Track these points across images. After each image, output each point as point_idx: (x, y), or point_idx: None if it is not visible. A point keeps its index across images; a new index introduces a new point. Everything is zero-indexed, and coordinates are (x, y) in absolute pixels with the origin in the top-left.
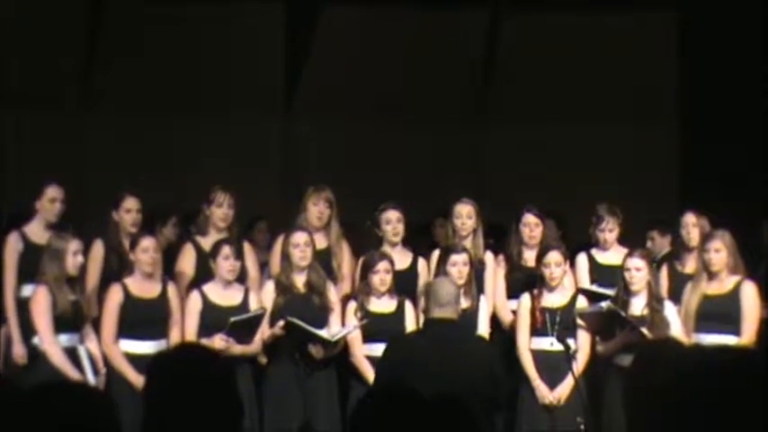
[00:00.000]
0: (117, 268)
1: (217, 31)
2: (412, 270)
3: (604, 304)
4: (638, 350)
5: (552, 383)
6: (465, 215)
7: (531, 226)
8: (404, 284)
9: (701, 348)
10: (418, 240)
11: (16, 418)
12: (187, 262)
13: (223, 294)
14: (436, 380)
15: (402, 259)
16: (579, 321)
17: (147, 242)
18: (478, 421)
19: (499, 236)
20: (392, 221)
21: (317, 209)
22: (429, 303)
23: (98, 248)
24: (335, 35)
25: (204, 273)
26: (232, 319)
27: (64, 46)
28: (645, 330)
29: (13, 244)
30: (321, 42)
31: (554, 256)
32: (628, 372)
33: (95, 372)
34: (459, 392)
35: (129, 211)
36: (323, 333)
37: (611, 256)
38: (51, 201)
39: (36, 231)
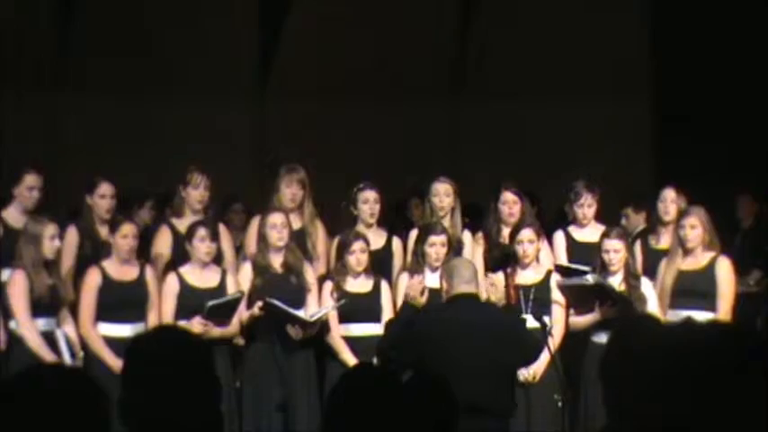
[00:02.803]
0: (91, 253)
1: (189, 12)
2: (386, 250)
3: (591, 277)
4: (616, 325)
5: None
6: (443, 193)
7: (510, 204)
8: (379, 264)
9: (689, 323)
10: (392, 219)
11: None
12: (163, 244)
13: (200, 276)
14: (460, 354)
15: (376, 239)
16: (557, 296)
17: (127, 228)
18: (456, 401)
19: (474, 214)
20: (369, 201)
21: (290, 190)
22: (453, 281)
23: (72, 233)
24: (308, 13)
25: (181, 255)
26: (210, 302)
27: (35, 29)
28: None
29: None
30: (294, 21)
31: (527, 234)
32: (606, 346)
33: (73, 355)
34: (487, 364)
35: (103, 197)
36: (301, 314)
37: (588, 233)
38: (29, 189)
39: (14, 216)
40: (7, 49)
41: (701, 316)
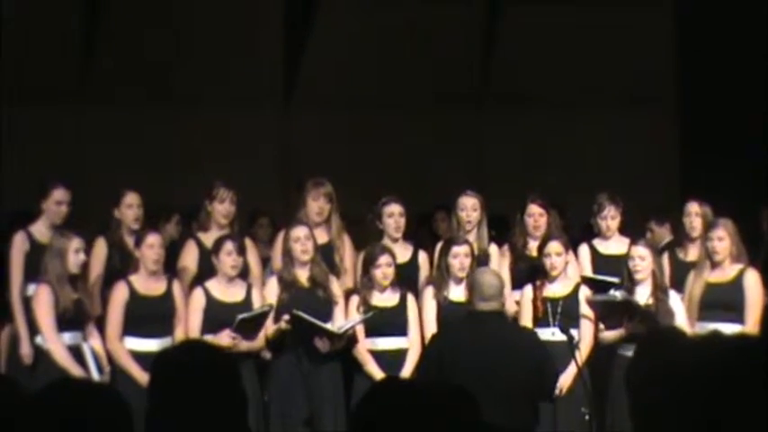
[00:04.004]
0: (119, 266)
1: (214, 26)
2: (413, 263)
3: (619, 293)
4: (642, 338)
5: None
6: (470, 207)
7: (536, 216)
8: (405, 277)
9: (716, 336)
10: (419, 231)
11: (24, 417)
12: (189, 258)
13: (226, 290)
14: (480, 372)
15: (402, 252)
16: (585, 309)
17: (152, 238)
18: (481, 411)
19: (500, 227)
20: (394, 215)
21: (316, 204)
22: (473, 297)
23: (101, 246)
24: (333, 25)
25: (207, 269)
26: (239, 316)
27: (61, 43)
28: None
29: (19, 243)
30: (319, 33)
31: (554, 246)
32: (631, 359)
33: (100, 369)
34: (502, 385)
35: (130, 207)
36: (329, 326)
37: (613, 246)
38: (57, 203)
39: (42, 230)
40: (30, 59)
41: (729, 328)
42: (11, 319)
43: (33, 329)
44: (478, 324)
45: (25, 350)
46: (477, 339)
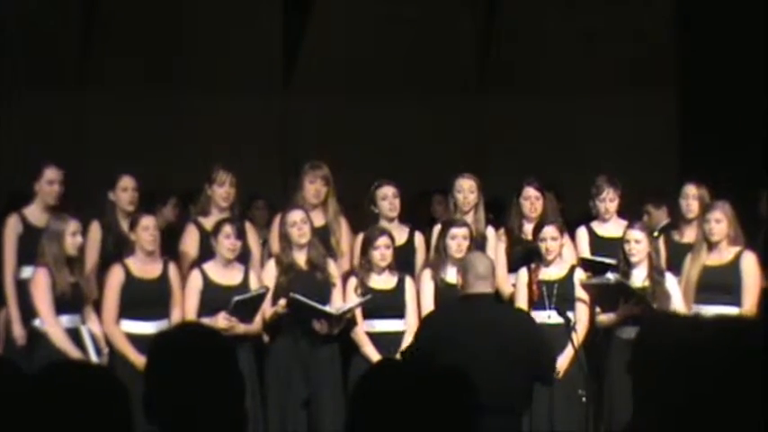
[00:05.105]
0: (114, 249)
1: (214, 7)
2: (409, 245)
3: (612, 276)
4: (645, 322)
5: None
6: (467, 189)
7: (532, 199)
8: (401, 259)
9: (702, 319)
10: (415, 213)
11: (23, 398)
12: (190, 243)
13: (223, 273)
14: (475, 352)
15: (399, 234)
16: (580, 292)
17: (146, 220)
18: (477, 392)
19: (497, 210)
20: (388, 197)
21: (313, 186)
22: (467, 277)
23: (95, 229)
24: (333, 10)
25: (207, 253)
26: (235, 298)
27: (61, 28)
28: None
29: (13, 226)
30: (318, 16)
31: (550, 231)
32: (634, 344)
33: (98, 352)
34: (497, 365)
35: (125, 190)
36: (327, 308)
37: (611, 228)
38: (49, 183)
39: (35, 213)
40: (32, 49)
41: (726, 311)
42: (4, 302)
43: (30, 312)
44: (473, 304)
45: (17, 332)
46: (472, 319)
